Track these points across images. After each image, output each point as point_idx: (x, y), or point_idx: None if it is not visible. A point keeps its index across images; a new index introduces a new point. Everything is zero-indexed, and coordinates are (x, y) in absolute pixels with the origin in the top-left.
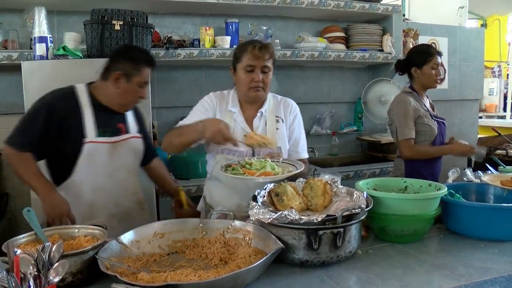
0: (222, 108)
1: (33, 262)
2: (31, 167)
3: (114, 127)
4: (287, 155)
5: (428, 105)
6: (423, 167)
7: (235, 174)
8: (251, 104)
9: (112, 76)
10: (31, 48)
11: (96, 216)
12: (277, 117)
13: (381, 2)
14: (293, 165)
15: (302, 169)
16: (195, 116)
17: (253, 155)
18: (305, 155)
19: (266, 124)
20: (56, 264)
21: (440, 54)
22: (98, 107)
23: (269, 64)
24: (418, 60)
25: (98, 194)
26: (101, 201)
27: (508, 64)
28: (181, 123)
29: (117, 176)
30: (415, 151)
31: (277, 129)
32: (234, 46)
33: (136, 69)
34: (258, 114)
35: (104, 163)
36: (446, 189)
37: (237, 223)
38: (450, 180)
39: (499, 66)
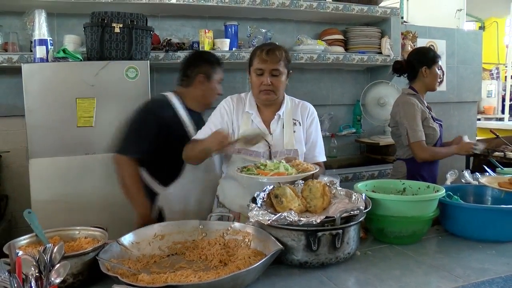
0: (239, 110)
1: (34, 263)
2: (137, 179)
3: (201, 127)
4: (303, 158)
5: (427, 106)
6: (424, 169)
7: (250, 174)
8: (267, 106)
9: (196, 80)
10: (31, 51)
11: (202, 213)
12: (294, 120)
13: (380, 5)
14: (307, 168)
15: (316, 171)
16: (212, 124)
17: (270, 156)
18: (322, 158)
19: (283, 127)
20: (58, 265)
21: (440, 57)
22: (188, 112)
23: (280, 67)
24: (428, 60)
25: (205, 191)
26: (207, 199)
27: (506, 66)
28: (199, 133)
29: (212, 172)
30: (431, 152)
31: (294, 131)
32: (234, 49)
33: (213, 69)
34: (276, 116)
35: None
36: (444, 190)
37: (237, 224)
38: (448, 182)
39: (497, 68)
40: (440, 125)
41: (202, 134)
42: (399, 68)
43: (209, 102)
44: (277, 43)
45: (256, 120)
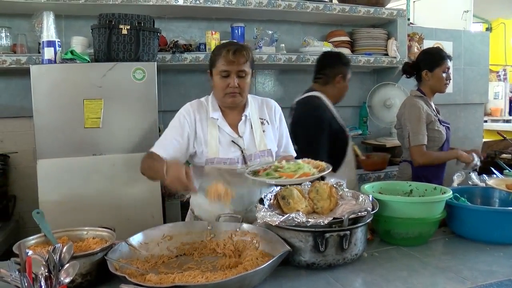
0: (202, 116)
1: (44, 263)
2: None
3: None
4: (275, 157)
5: (434, 109)
6: (430, 172)
7: (271, 178)
8: (232, 109)
9: (336, 79)
10: (39, 52)
11: None
12: (262, 119)
13: (386, 7)
14: (320, 165)
15: (331, 168)
16: (170, 135)
17: (245, 160)
18: (293, 152)
19: (252, 128)
20: (67, 265)
21: (450, 58)
22: None
23: (246, 68)
24: (430, 63)
25: None
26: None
27: None
28: (158, 144)
29: None
30: (427, 157)
31: (264, 131)
32: None
33: (348, 69)
34: (243, 118)
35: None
36: (451, 192)
37: (245, 226)
38: (455, 184)
39: (504, 70)
40: (448, 128)
41: (161, 147)
42: (407, 69)
43: (342, 98)
44: (240, 42)
45: (223, 126)
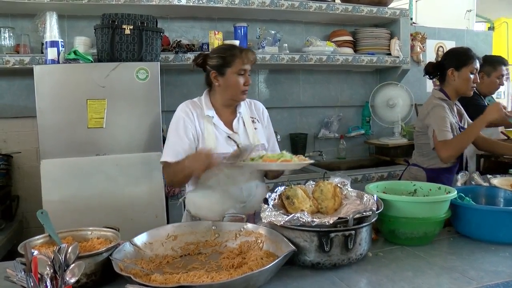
0: (199, 114)
1: (49, 263)
2: None
3: None
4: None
5: (456, 114)
6: (445, 176)
7: (256, 162)
8: (226, 107)
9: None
10: (42, 53)
11: None
12: (252, 118)
13: (389, 6)
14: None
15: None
16: (177, 140)
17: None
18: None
19: (244, 125)
20: (72, 265)
21: (479, 60)
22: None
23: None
24: (458, 61)
25: None
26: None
27: None
28: (168, 154)
29: None
30: (453, 148)
31: (255, 128)
32: None
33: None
34: (238, 115)
35: None
36: (456, 192)
37: (250, 225)
38: (459, 184)
39: (507, 69)
40: None
41: (172, 154)
42: (430, 70)
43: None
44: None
45: (217, 123)
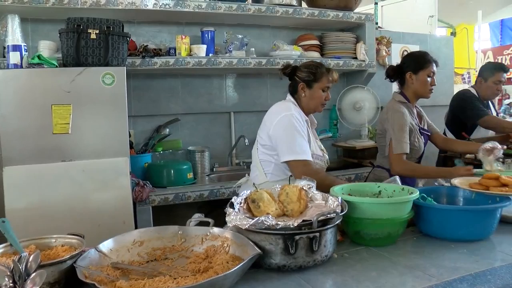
0: (303, 118)
1: (9, 273)
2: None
3: None
4: None
5: (416, 116)
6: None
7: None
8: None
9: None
10: (4, 57)
11: None
12: None
13: (354, 11)
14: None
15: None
16: (303, 139)
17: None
18: None
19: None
20: (33, 274)
21: (436, 63)
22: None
23: None
24: (415, 65)
25: None
26: None
27: (476, 71)
28: (301, 152)
29: None
30: (407, 168)
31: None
32: (210, 55)
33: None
34: (313, 124)
35: None
36: (418, 192)
37: (216, 230)
38: (420, 184)
39: (468, 73)
40: (427, 135)
41: (307, 152)
42: (390, 73)
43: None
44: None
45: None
